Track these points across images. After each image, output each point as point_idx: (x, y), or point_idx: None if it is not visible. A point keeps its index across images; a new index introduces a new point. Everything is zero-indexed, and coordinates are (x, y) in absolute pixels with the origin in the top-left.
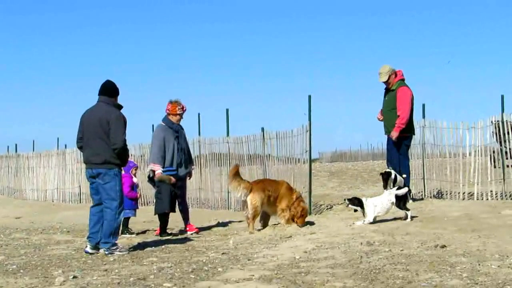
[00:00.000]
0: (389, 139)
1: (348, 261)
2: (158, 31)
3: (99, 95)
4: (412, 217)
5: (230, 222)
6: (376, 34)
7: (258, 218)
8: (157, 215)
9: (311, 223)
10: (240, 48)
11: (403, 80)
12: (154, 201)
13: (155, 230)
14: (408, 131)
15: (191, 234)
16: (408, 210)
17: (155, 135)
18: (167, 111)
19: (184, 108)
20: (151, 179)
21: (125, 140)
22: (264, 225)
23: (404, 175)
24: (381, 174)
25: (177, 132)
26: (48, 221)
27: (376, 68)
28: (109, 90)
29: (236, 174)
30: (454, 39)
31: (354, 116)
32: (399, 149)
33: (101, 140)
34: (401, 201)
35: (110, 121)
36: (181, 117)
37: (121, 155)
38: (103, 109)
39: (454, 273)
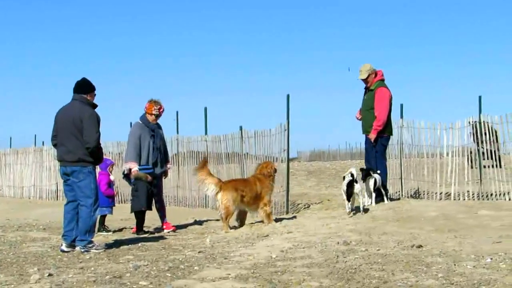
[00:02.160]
0: (367, 138)
1: (325, 260)
2: (136, 28)
3: (73, 92)
4: (365, 209)
5: (207, 220)
6: (354, 33)
7: (235, 217)
8: (133, 213)
9: (288, 222)
10: (219, 46)
11: (382, 80)
12: (131, 199)
13: (132, 228)
14: (386, 131)
15: (168, 232)
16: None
17: (131, 132)
18: (145, 109)
19: (161, 109)
20: (126, 176)
21: (98, 139)
22: (241, 223)
23: (379, 171)
24: (361, 169)
25: (153, 131)
26: (24, 218)
27: (355, 67)
28: (83, 88)
29: (204, 167)
30: (432, 39)
31: (333, 116)
32: (376, 149)
33: (75, 138)
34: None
35: (84, 120)
36: (157, 118)
37: (95, 153)
38: (77, 107)
39: (429, 273)
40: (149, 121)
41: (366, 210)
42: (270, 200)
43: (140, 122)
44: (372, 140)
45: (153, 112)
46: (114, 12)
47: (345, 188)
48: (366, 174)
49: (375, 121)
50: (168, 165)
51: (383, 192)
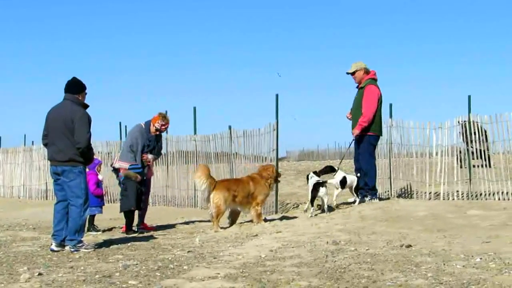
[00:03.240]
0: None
1: (314, 260)
2: (125, 28)
3: (64, 92)
4: (312, 215)
5: (196, 220)
6: (343, 33)
7: (227, 215)
8: (122, 213)
9: (278, 222)
10: (207, 46)
11: (374, 79)
12: (120, 198)
13: (121, 228)
14: (374, 129)
15: (146, 232)
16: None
17: (131, 133)
18: (151, 119)
19: (165, 126)
20: (115, 170)
21: (89, 139)
22: (232, 222)
23: (359, 174)
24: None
25: (150, 141)
26: (14, 218)
27: (344, 67)
28: (74, 88)
29: (207, 172)
30: (422, 38)
31: (322, 115)
32: (365, 147)
33: (66, 138)
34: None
35: (75, 120)
36: (157, 132)
37: (85, 154)
38: (68, 107)
39: (419, 273)
40: (150, 130)
41: (330, 210)
42: (264, 200)
43: (143, 126)
44: (354, 135)
45: (156, 125)
46: (104, 11)
47: (311, 188)
48: (324, 171)
49: (361, 117)
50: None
51: (354, 194)
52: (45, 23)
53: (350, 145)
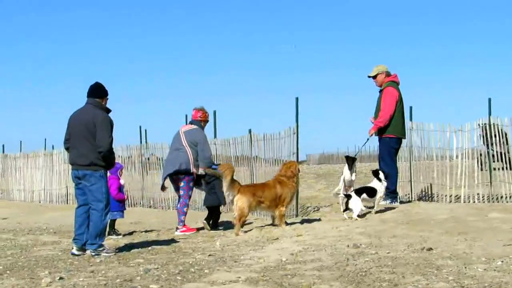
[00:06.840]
0: (380, 141)
1: (335, 263)
2: (145, 30)
3: (87, 97)
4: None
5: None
6: (363, 35)
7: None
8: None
9: (298, 225)
10: (227, 49)
11: (394, 82)
12: (204, 194)
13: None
14: (394, 131)
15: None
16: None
17: (204, 141)
18: (199, 118)
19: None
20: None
21: (111, 143)
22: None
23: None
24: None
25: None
26: (35, 222)
27: (364, 70)
28: (97, 92)
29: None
30: (442, 40)
31: (342, 118)
32: (385, 150)
33: (88, 142)
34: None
35: (97, 124)
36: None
37: (107, 158)
38: (90, 112)
39: (440, 276)
40: (204, 128)
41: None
42: (290, 201)
43: (199, 128)
44: (369, 135)
45: (208, 119)
46: (122, 14)
47: None
48: None
49: (378, 118)
50: None
51: None
52: (64, 27)
53: (363, 145)
